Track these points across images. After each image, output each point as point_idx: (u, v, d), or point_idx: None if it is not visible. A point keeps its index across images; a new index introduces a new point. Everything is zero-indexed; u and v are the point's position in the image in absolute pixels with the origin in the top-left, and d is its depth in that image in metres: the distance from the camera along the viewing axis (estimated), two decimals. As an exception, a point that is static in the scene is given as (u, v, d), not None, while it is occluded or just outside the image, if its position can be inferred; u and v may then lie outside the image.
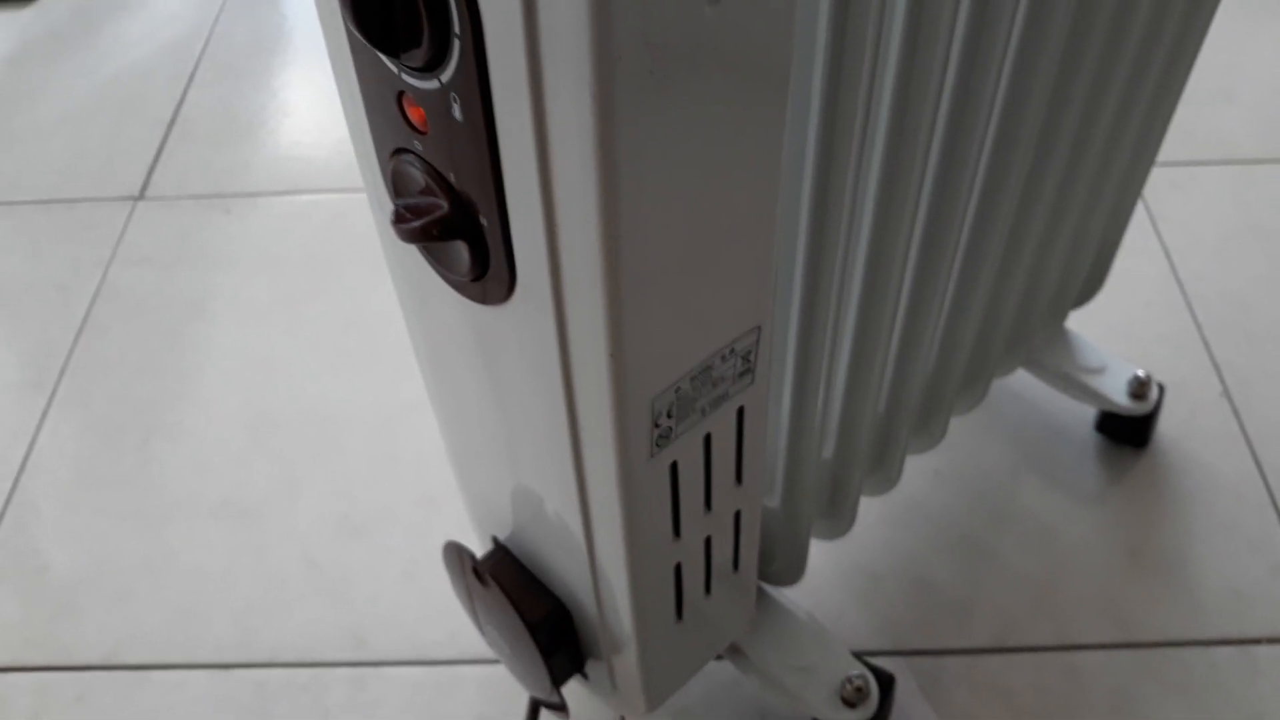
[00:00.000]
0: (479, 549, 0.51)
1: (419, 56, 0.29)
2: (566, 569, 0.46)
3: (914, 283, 0.50)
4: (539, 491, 0.44)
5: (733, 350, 0.38)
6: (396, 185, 0.34)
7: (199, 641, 0.67)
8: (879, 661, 0.63)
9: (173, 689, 0.65)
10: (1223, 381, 0.77)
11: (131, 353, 0.83)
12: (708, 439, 0.40)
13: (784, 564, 0.58)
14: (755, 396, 0.40)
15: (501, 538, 0.50)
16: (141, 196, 0.94)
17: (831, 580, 0.68)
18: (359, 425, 0.77)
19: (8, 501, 0.74)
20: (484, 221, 0.32)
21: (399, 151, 0.33)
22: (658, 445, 0.37)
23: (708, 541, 0.46)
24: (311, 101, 1.04)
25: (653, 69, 0.26)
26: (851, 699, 0.58)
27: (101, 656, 0.66)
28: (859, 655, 0.60)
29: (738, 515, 0.47)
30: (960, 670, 0.65)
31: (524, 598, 0.48)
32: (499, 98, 0.28)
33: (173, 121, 1.01)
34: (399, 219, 0.33)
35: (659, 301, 0.32)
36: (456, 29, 0.27)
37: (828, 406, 0.53)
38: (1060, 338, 0.71)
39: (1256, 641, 0.65)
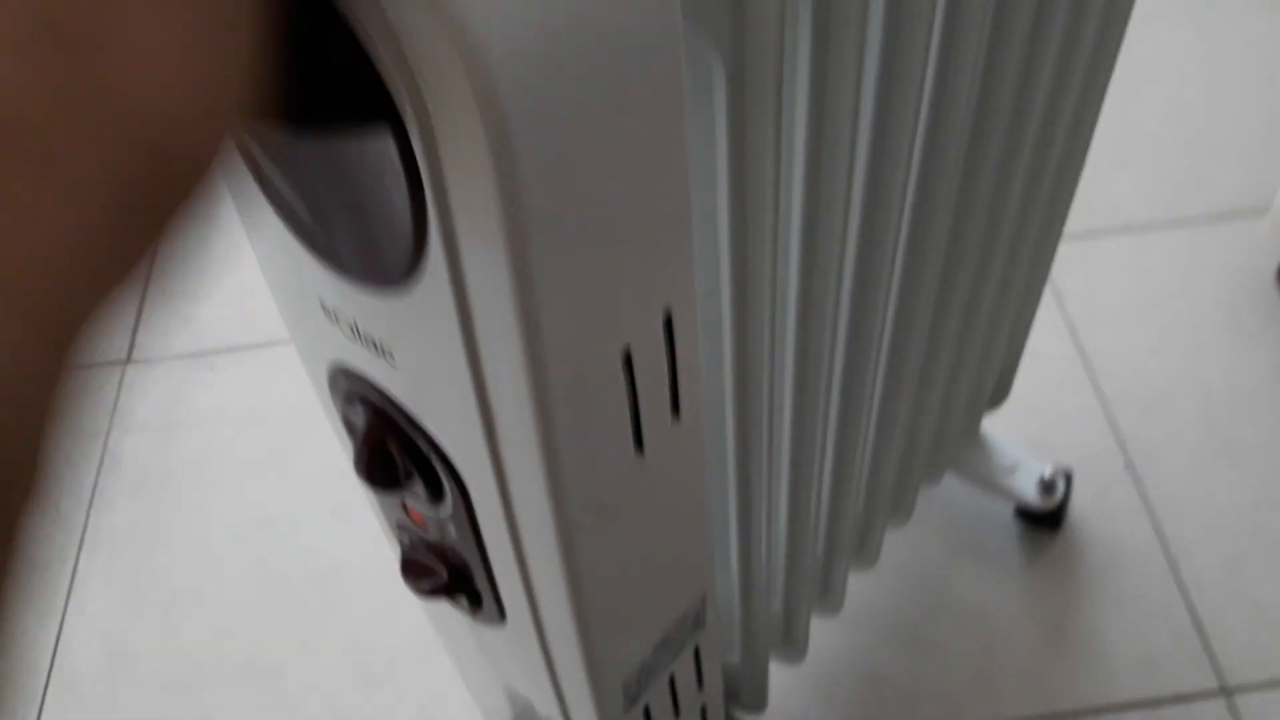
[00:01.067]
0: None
1: (420, 494, 0.37)
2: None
3: (839, 420, 0.57)
4: None
5: (684, 616, 0.46)
6: (400, 539, 0.42)
7: (243, 801, 0.75)
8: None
9: (226, 847, 0.73)
10: (1126, 455, 0.87)
11: (142, 523, 0.90)
12: (671, 679, 0.49)
13: (748, 697, 0.67)
14: (708, 635, 0.49)
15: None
16: (129, 360, 1.01)
17: (793, 685, 0.78)
18: (363, 574, 0.85)
19: (47, 682, 0.82)
20: (478, 586, 0.40)
21: (401, 523, 0.41)
22: (631, 702, 0.46)
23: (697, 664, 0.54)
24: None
25: (599, 513, 0.34)
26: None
27: (158, 823, 0.75)
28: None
29: (703, 707, 0.55)
30: (912, 755, 0.74)
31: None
32: (484, 523, 0.36)
33: (147, 279, 1.08)
34: (406, 571, 0.41)
35: (619, 614, 0.41)
36: (447, 488, 0.35)
37: (771, 560, 0.62)
38: (974, 438, 0.81)
39: (1160, 702, 0.75)
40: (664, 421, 0.34)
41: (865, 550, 0.71)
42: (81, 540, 0.89)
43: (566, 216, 0.24)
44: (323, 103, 0.22)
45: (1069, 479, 0.81)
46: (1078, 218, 1.03)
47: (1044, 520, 0.82)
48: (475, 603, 0.41)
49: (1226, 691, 0.75)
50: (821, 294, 0.43)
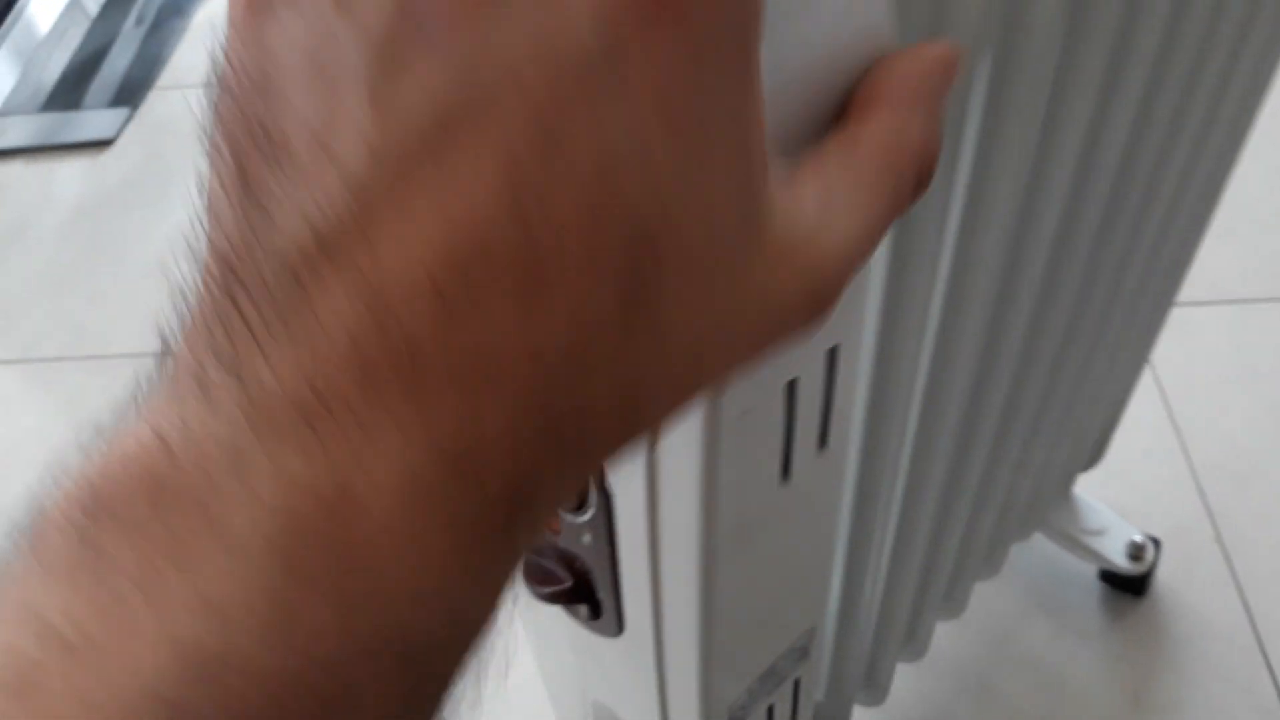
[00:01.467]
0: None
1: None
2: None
3: (949, 471, 0.57)
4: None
5: (793, 647, 0.47)
6: (529, 554, 0.43)
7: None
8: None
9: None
10: (1215, 527, 0.86)
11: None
12: (770, 708, 0.49)
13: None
14: (809, 666, 0.50)
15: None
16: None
17: (868, 730, 0.77)
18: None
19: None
20: (600, 596, 0.41)
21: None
22: (733, 729, 0.47)
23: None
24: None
25: (739, 535, 0.35)
26: None
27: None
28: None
29: (793, 739, 0.56)
30: (983, 812, 0.74)
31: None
32: (623, 534, 0.37)
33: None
34: (528, 575, 0.43)
35: (740, 638, 0.42)
36: (593, 501, 0.37)
37: (870, 602, 0.62)
38: (1066, 498, 0.80)
39: (1244, 782, 0.74)
40: (811, 451, 0.35)
41: (953, 600, 0.71)
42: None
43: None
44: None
45: (1158, 546, 0.80)
46: (1175, 285, 1.03)
47: (1129, 585, 0.81)
48: (595, 613, 0.42)
49: (1312, 776, 0.74)
50: (954, 355, 0.45)
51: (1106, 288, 0.55)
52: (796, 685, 0.50)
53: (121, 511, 0.14)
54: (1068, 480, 0.78)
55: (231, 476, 0.14)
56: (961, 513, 0.60)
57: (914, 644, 0.70)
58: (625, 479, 0.34)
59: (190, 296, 0.16)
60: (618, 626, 0.43)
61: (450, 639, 0.16)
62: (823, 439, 0.35)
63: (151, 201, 1.23)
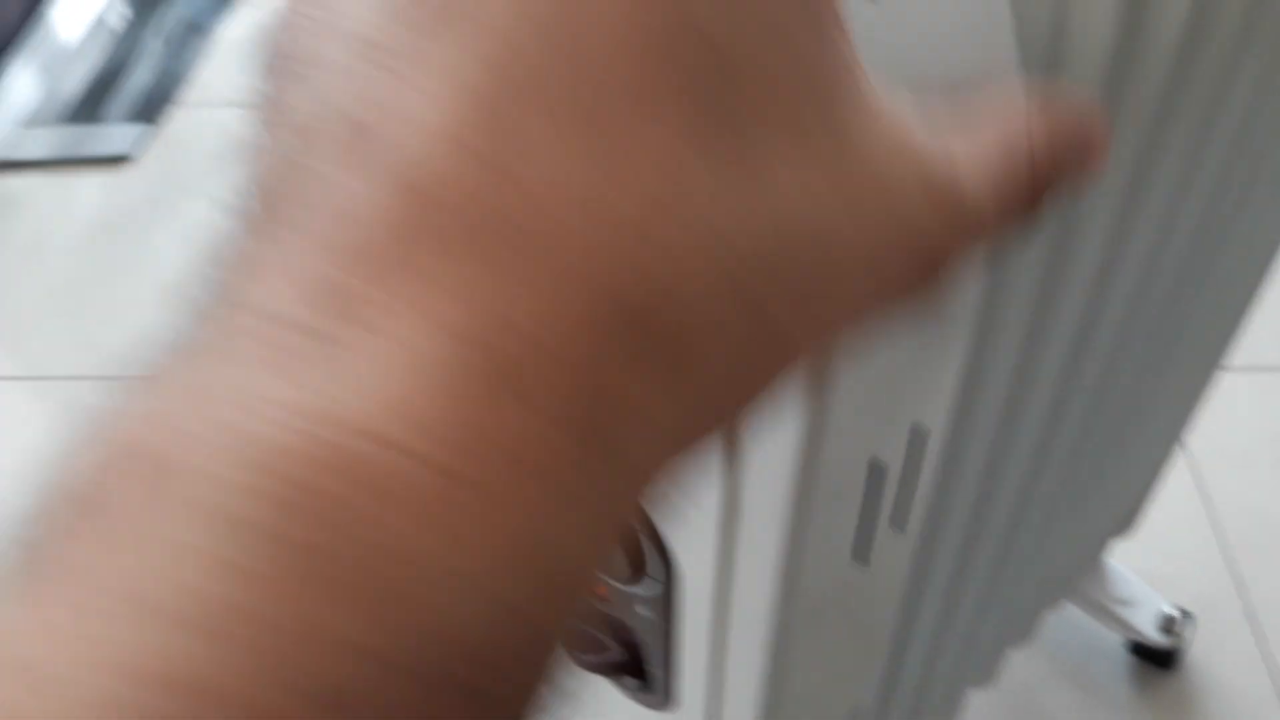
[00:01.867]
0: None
1: (614, 568, 0.37)
2: None
3: (996, 552, 0.56)
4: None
5: (837, 723, 0.45)
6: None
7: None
8: None
9: None
10: (1245, 601, 0.84)
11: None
12: None
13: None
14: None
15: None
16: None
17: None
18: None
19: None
20: (650, 669, 0.40)
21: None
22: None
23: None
24: None
25: (811, 616, 0.34)
26: None
27: None
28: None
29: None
30: None
31: None
32: (686, 609, 0.36)
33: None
34: (569, 644, 0.41)
35: (793, 717, 0.40)
36: (652, 568, 0.35)
37: (909, 679, 0.61)
38: (1098, 566, 0.79)
39: None
40: (887, 532, 0.33)
41: (986, 669, 0.70)
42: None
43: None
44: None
45: (1190, 619, 0.78)
46: (1205, 350, 1.01)
47: (1158, 658, 0.80)
48: (644, 687, 0.41)
49: None
50: (1015, 433, 0.43)
51: (1154, 374, 0.54)
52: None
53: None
54: (1102, 549, 0.76)
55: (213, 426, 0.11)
56: (1006, 585, 0.59)
57: (947, 713, 0.69)
58: (699, 555, 0.32)
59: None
60: (666, 701, 0.41)
61: (522, 645, 0.12)
62: (902, 521, 0.34)
63: (168, 218, 1.22)
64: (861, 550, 0.33)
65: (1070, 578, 0.72)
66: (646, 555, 0.35)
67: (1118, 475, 0.64)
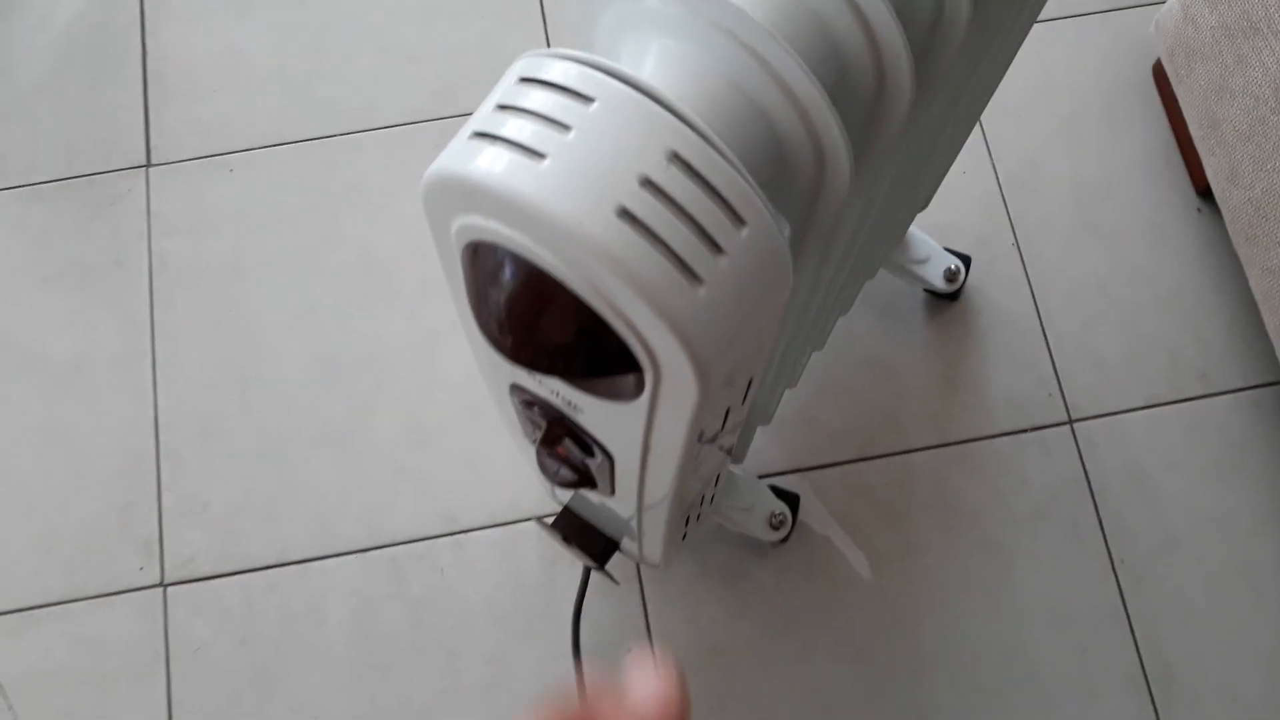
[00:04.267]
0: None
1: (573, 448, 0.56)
2: (617, 527, 0.79)
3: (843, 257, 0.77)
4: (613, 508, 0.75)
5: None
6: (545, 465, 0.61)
7: (339, 537, 0.99)
8: (787, 478, 0.99)
9: (330, 572, 0.98)
10: (1015, 233, 1.08)
11: (200, 317, 1.06)
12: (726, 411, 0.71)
13: (735, 455, 0.91)
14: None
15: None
16: (149, 164, 1.11)
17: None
18: (402, 355, 1.04)
19: (157, 453, 1.02)
20: (599, 485, 0.60)
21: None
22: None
23: (716, 479, 0.78)
24: (269, 45, 1.16)
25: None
26: (777, 524, 0.94)
27: (274, 558, 0.98)
28: (776, 474, 0.95)
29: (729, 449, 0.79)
30: (838, 477, 1.01)
31: (586, 543, 0.80)
32: (619, 477, 0.56)
33: (145, 79, 1.15)
34: (548, 474, 0.61)
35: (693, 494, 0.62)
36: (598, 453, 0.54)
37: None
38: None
39: (1022, 431, 1.02)
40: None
41: (821, 339, 0.93)
42: (153, 335, 1.05)
43: (724, 382, 0.42)
44: (608, 366, 0.39)
45: (968, 266, 1.02)
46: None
47: (945, 297, 1.04)
48: (592, 488, 0.62)
49: (1070, 422, 1.02)
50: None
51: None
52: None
53: None
54: (909, 224, 0.97)
55: None
56: (846, 287, 0.80)
57: (795, 376, 0.93)
58: (628, 460, 0.52)
59: None
60: (611, 493, 0.62)
61: None
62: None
63: (20, 9, 1.20)
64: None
65: (887, 255, 0.93)
66: (596, 451, 0.54)
67: (927, 180, 0.83)
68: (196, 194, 1.10)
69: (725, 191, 0.37)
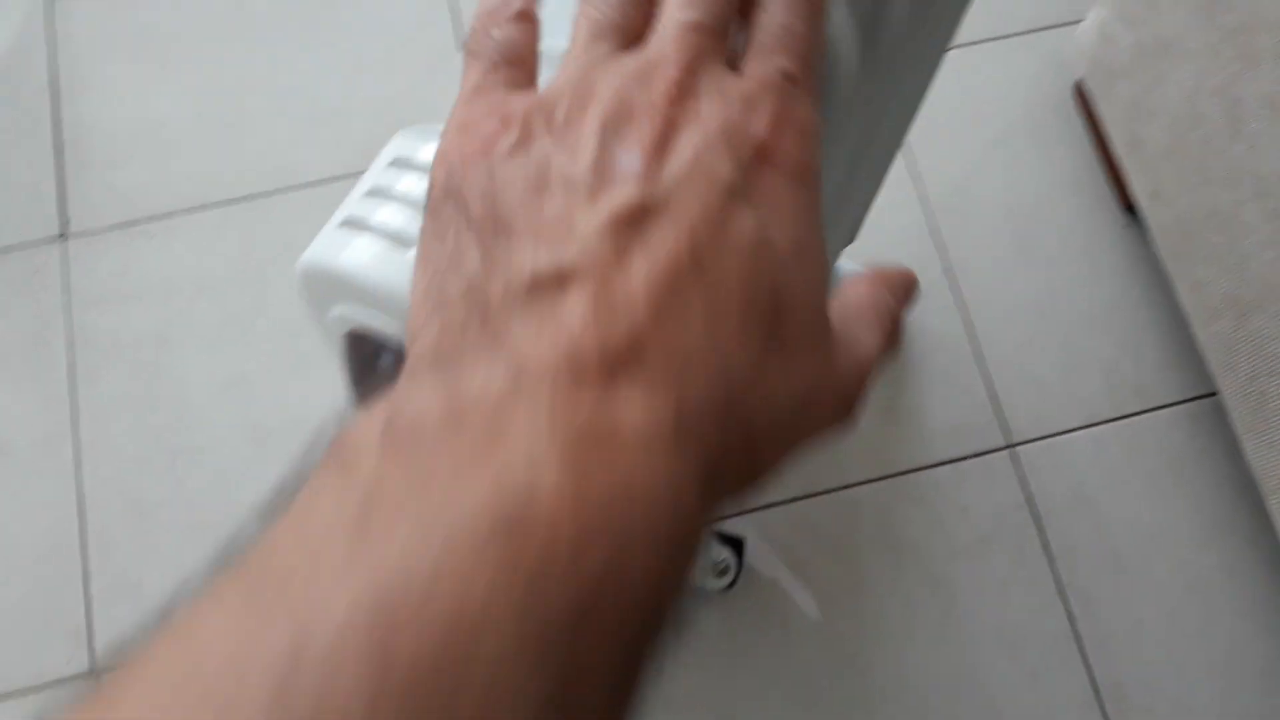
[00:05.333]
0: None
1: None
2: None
3: None
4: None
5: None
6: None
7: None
8: (732, 521, 0.98)
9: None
10: (946, 259, 1.08)
11: (125, 391, 1.03)
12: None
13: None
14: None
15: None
16: (65, 235, 1.08)
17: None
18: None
19: (83, 536, 0.99)
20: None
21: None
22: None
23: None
24: (187, 109, 1.14)
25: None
26: (720, 571, 0.93)
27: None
28: (720, 518, 0.94)
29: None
30: (782, 516, 1.00)
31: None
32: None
33: (59, 148, 1.12)
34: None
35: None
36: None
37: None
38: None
39: (964, 459, 1.01)
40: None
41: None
42: (76, 412, 1.02)
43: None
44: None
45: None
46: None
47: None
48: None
49: (1011, 446, 1.02)
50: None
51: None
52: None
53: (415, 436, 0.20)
54: (836, 258, 0.97)
55: (507, 416, 0.19)
56: None
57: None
58: None
59: (437, 315, 0.22)
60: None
61: (663, 597, 0.21)
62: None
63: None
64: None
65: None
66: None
67: (851, 211, 0.82)
68: (117, 263, 1.08)
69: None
